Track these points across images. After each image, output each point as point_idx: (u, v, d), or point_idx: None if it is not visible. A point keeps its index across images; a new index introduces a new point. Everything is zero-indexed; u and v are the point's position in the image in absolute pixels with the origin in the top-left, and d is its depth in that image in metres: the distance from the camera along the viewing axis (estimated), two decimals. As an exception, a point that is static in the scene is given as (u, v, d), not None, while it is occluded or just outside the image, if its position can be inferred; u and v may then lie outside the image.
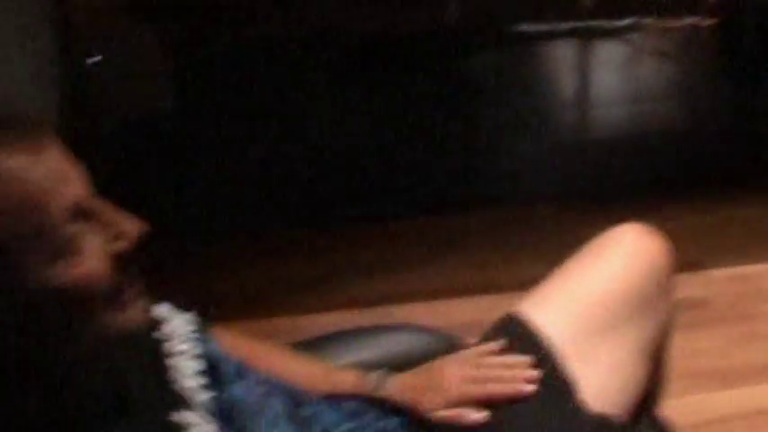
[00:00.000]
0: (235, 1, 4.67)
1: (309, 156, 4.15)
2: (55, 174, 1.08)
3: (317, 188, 3.87)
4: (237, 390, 1.35)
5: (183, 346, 1.37)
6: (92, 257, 1.09)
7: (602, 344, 1.62)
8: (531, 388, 1.53)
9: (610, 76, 4.86)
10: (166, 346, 1.36)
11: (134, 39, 4.02)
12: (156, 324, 1.38)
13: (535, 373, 1.54)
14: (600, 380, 1.60)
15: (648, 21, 5.03)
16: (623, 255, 1.70)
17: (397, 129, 4.30)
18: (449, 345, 1.80)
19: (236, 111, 4.39)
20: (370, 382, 1.59)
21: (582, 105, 4.72)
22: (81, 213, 1.10)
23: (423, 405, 1.54)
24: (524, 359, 1.57)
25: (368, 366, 1.65)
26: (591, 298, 1.65)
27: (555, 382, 1.57)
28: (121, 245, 1.12)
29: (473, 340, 1.72)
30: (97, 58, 3.85)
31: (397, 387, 1.58)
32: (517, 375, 1.55)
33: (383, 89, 4.67)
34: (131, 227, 1.13)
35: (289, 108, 4.51)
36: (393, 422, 1.48)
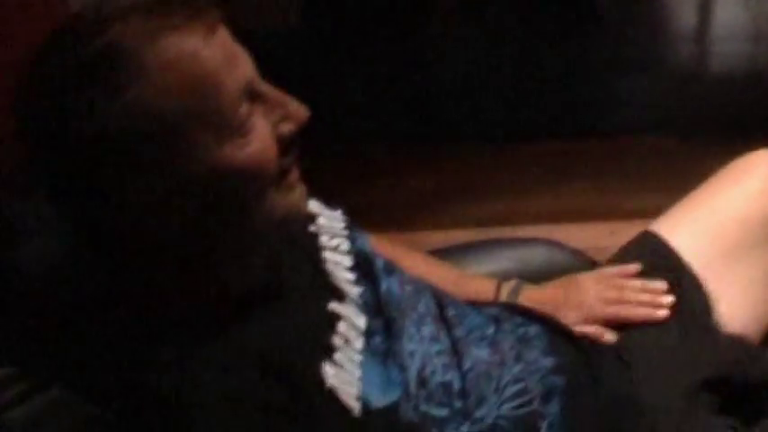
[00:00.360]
0: None
1: (438, 77, 4.18)
2: (227, 54, 1.12)
3: (447, 110, 3.90)
4: (387, 286, 1.39)
5: (335, 241, 1.42)
6: (261, 138, 1.13)
7: (736, 264, 1.63)
8: (665, 314, 1.56)
9: (733, 12, 4.77)
10: (321, 239, 1.41)
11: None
12: (311, 217, 1.43)
13: (671, 299, 1.57)
14: (733, 300, 1.61)
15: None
16: (759, 178, 1.69)
17: (523, 56, 4.29)
18: (586, 263, 1.82)
19: (366, 28, 4.41)
20: (505, 291, 1.63)
21: (704, 39, 4.66)
22: (251, 94, 1.13)
23: (557, 318, 1.56)
24: (661, 284, 1.59)
25: (505, 276, 1.68)
26: (727, 219, 1.66)
27: (692, 300, 1.59)
28: (288, 127, 1.16)
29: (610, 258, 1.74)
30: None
31: (533, 298, 1.61)
32: (654, 300, 1.57)
33: (508, 15, 4.65)
34: (298, 110, 1.17)
35: (417, 30, 4.52)
36: (534, 329, 1.50)
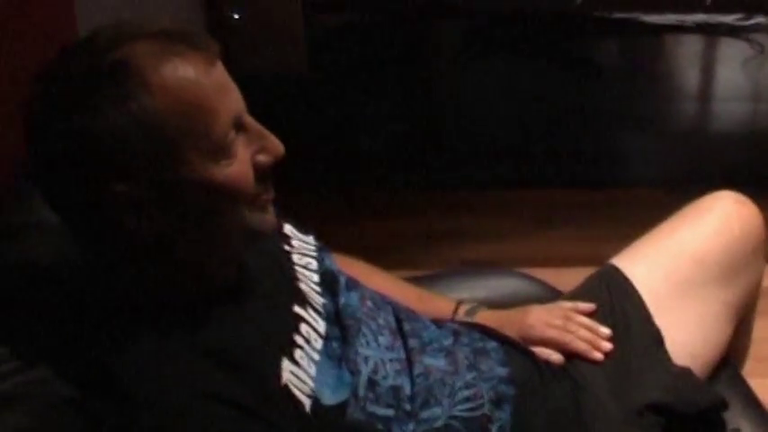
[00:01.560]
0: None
1: (430, 122, 4.30)
2: (222, 85, 1.26)
3: (435, 153, 4.00)
4: (346, 299, 1.51)
5: (306, 260, 1.55)
6: (241, 163, 1.27)
7: (689, 299, 1.71)
8: (600, 357, 1.64)
9: (729, 73, 4.84)
10: (293, 256, 1.54)
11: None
12: (287, 238, 1.57)
13: (609, 346, 1.66)
14: (684, 333, 1.69)
15: (773, 22, 5.01)
16: (717, 218, 1.78)
17: (516, 104, 4.40)
18: (549, 295, 1.92)
19: (368, 75, 4.54)
20: (462, 311, 1.74)
21: (699, 99, 4.74)
22: (238, 124, 1.27)
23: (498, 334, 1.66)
24: (606, 330, 1.68)
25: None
26: (682, 254, 1.74)
27: (643, 332, 1.68)
28: (265, 158, 1.30)
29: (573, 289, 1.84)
30: (240, 14, 4.01)
31: (484, 317, 1.72)
32: (594, 340, 1.66)
33: (505, 64, 4.75)
34: (275, 145, 1.31)
35: (415, 76, 4.64)
36: (492, 344, 1.61)
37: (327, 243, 1.65)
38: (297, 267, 1.52)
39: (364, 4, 4.72)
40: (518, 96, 4.46)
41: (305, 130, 3.88)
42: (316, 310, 1.44)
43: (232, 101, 1.27)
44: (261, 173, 1.30)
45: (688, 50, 5.13)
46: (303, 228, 1.64)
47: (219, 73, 1.26)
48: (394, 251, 3.17)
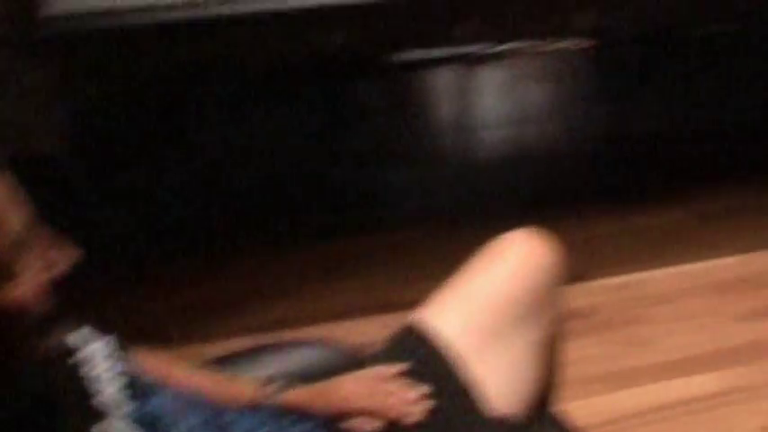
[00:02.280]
0: (126, 37, 4.65)
1: (204, 186, 4.19)
2: (9, 197, 1.15)
3: (212, 218, 3.91)
4: (156, 402, 1.41)
5: (105, 365, 1.43)
6: (26, 283, 1.15)
7: (498, 344, 1.69)
8: (416, 419, 1.60)
9: (488, 101, 4.94)
10: (84, 369, 1.41)
11: (26, 76, 4.00)
12: (72, 351, 1.43)
13: (424, 407, 1.62)
14: (498, 379, 1.67)
15: (524, 45, 5.14)
16: (514, 258, 1.77)
17: (284, 158, 4.36)
18: (354, 360, 1.86)
19: (130, 150, 4.41)
20: (267, 391, 1.66)
21: (463, 130, 4.81)
22: (22, 241, 1.15)
23: (313, 413, 1.61)
24: (418, 392, 1.63)
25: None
26: (485, 300, 1.72)
27: (454, 388, 1.65)
28: (57, 270, 1.19)
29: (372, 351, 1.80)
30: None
31: (295, 394, 1.65)
32: (408, 403, 1.62)
33: (268, 117, 4.71)
34: (68, 253, 1.20)
35: (180, 141, 4.55)
36: (308, 425, 1.55)
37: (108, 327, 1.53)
38: (91, 381, 1.39)
39: (118, 73, 4.61)
40: (286, 147, 4.41)
41: (66, 211, 3.73)
42: (122, 421, 1.33)
43: (14, 216, 1.15)
44: (50, 289, 1.19)
45: (445, 83, 5.20)
46: (101, 327, 1.51)
47: (5, 184, 1.15)
48: (181, 324, 3.08)
